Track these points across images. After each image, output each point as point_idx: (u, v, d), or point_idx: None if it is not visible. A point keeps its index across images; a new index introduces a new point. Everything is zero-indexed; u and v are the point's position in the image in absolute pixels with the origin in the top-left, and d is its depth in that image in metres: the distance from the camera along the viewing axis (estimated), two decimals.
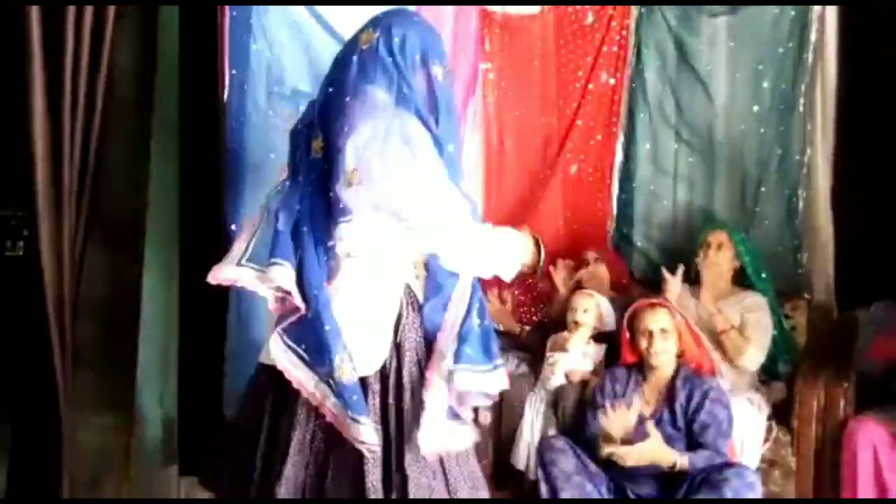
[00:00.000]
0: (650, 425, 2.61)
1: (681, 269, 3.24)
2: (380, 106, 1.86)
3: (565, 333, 3.23)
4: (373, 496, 1.85)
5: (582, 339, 3.19)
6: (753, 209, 3.66)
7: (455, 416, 1.96)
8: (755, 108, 3.66)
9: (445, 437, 1.91)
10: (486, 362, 1.95)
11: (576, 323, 3.20)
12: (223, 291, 2.85)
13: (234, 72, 2.86)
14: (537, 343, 3.43)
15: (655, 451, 2.57)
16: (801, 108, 3.53)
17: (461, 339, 1.93)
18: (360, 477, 1.85)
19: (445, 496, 1.94)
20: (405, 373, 1.93)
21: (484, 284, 3.71)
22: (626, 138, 3.97)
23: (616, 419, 2.60)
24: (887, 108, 3.28)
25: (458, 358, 1.92)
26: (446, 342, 1.94)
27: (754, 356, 3.13)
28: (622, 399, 2.75)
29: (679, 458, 2.56)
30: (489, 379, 1.95)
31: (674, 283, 3.20)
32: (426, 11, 3.91)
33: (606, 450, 2.58)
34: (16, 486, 2.35)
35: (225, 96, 2.80)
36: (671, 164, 3.87)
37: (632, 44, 3.92)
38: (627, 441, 2.59)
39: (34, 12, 2.25)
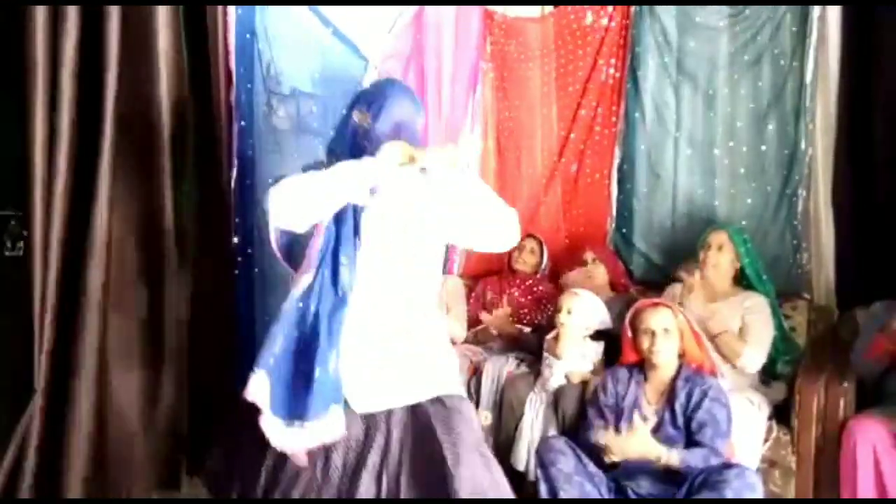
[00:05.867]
0: (637, 417, 2.60)
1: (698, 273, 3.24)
2: None
3: (554, 334, 3.23)
4: None
5: (572, 342, 3.18)
6: (753, 209, 3.66)
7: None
8: (753, 106, 3.66)
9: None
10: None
11: (560, 324, 3.20)
12: (228, 292, 2.85)
13: (241, 70, 2.86)
14: (537, 343, 3.43)
15: (641, 444, 2.55)
16: (801, 108, 3.52)
17: None
18: None
19: None
20: None
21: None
22: (625, 138, 3.97)
23: (619, 441, 2.58)
24: (888, 108, 3.28)
25: None
26: None
27: (752, 358, 3.11)
28: (628, 409, 2.75)
29: (665, 453, 2.54)
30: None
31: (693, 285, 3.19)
32: (429, 12, 3.93)
33: (597, 436, 2.60)
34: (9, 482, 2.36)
35: (232, 96, 2.79)
36: (671, 163, 3.87)
37: (631, 44, 3.92)
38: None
39: (36, 13, 2.24)
